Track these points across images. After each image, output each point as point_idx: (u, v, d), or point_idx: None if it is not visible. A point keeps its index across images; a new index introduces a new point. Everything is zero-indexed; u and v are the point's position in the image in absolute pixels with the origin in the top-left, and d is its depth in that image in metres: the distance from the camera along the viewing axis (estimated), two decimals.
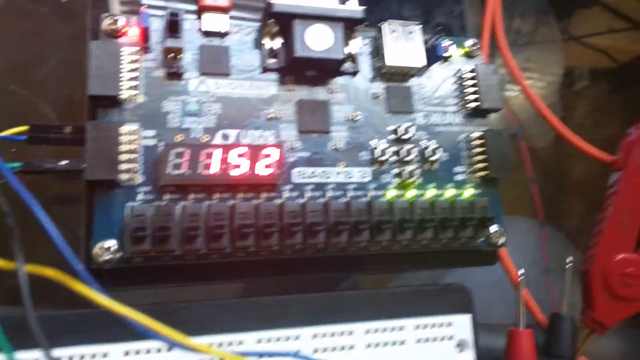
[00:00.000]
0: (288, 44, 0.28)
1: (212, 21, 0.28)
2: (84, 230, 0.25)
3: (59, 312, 0.24)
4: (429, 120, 0.31)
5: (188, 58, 0.28)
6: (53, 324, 0.22)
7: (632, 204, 0.34)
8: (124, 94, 0.26)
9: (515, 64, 0.38)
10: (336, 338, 0.26)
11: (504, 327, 0.32)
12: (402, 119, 0.30)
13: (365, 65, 0.31)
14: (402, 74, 0.31)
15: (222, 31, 0.28)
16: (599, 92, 0.49)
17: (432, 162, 0.30)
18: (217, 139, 0.27)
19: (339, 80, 0.30)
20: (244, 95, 0.28)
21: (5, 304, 0.24)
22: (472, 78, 0.32)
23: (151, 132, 0.26)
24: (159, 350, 0.24)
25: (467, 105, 0.32)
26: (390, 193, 0.29)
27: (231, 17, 0.29)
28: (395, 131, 0.30)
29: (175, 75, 0.27)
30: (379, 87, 0.31)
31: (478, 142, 0.31)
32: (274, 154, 0.27)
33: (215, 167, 0.26)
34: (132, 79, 0.26)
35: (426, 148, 0.30)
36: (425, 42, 0.31)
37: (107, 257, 0.24)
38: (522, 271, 0.32)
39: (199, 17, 0.28)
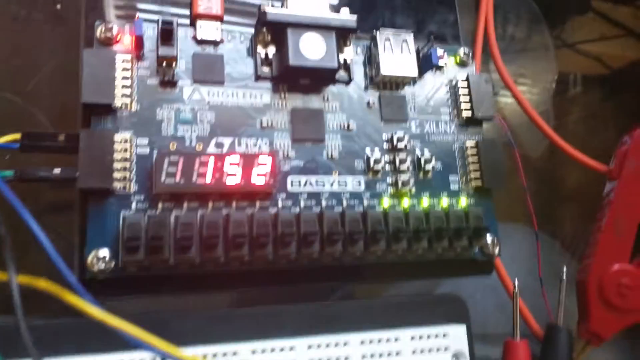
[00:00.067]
0: (282, 53, 0.28)
1: (206, 29, 0.28)
2: (77, 239, 0.25)
3: (51, 321, 0.23)
4: (423, 129, 0.31)
5: (182, 66, 0.27)
6: (45, 334, 0.22)
7: (627, 214, 0.34)
8: (118, 102, 0.26)
9: (507, 73, 0.38)
10: (331, 349, 0.26)
11: (500, 336, 0.32)
12: (396, 128, 0.30)
13: (358, 73, 0.31)
14: (396, 83, 0.31)
15: (216, 39, 0.28)
16: (592, 99, 0.49)
17: (426, 171, 0.30)
18: (211, 148, 0.27)
19: (333, 89, 0.30)
20: (238, 104, 0.28)
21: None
22: (466, 87, 0.32)
23: (145, 141, 0.26)
24: None
25: (461, 114, 0.32)
26: (385, 202, 0.29)
27: (225, 25, 0.29)
28: (389, 140, 0.30)
29: (169, 83, 0.27)
30: (372, 95, 0.31)
31: (472, 151, 0.31)
32: (268, 162, 0.26)
33: (209, 176, 0.26)
34: (125, 86, 0.26)
35: (420, 157, 0.30)
36: (419, 50, 0.31)
37: (101, 267, 0.24)
38: (517, 282, 0.32)
39: (193, 25, 0.28)
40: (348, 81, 0.30)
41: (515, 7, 0.46)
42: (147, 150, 0.26)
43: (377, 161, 0.29)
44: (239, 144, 0.27)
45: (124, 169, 0.25)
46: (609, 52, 0.50)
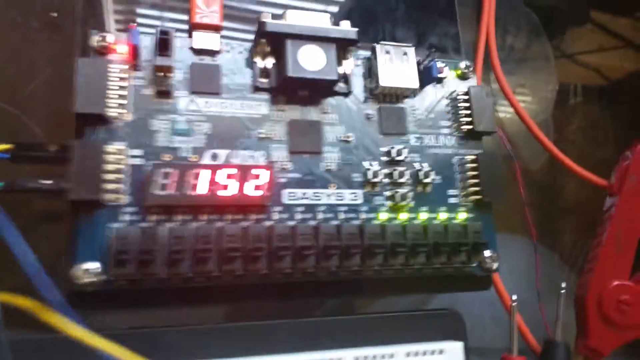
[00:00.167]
0: (280, 64, 0.28)
1: (204, 39, 0.28)
2: (66, 251, 0.24)
3: (34, 336, 0.23)
4: (422, 142, 0.31)
5: (179, 76, 0.27)
6: (26, 349, 0.22)
7: (627, 230, 0.34)
8: (112, 112, 0.25)
9: (507, 85, 0.37)
10: None
11: (497, 351, 0.32)
12: (395, 141, 0.30)
13: (358, 86, 0.30)
14: (396, 95, 0.31)
15: (214, 50, 0.28)
16: (591, 110, 0.49)
17: (425, 185, 0.30)
18: (206, 159, 0.26)
19: (332, 101, 0.30)
20: (235, 115, 0.28)
21: None
22: (466, 100, 0.31)
23: (138, 152, 0.26)
24: None
25: (461, 128, 0.31)
26: (383, 216, 0.28)
27: (223, 36, 0.28)
28: (388, 153, 0.30)
29: (164, 93, 0.27)
30: (372, 108, 0.30)
31: (472, 165, 0.31)
32: (264, 175, 0.26)
33: (203, 188, 0.25)
34: (120, 96, 0.26)
35: (419, 170, 0.30)
36: (419, 63, 0.31)
37: (90, 280, 0.23)
38: (514, 297, 0.31)
39: (191, 35, 0.28)
40: (347, 93, 0.30)
41: (515, 18, 0.46)
42: (140, 162, 0.25)
43: (375, 174, 0.29)
44: (235, 156, 0.27)
45: (116, 180, 0.25)
46: (607, 63, 0.50)
